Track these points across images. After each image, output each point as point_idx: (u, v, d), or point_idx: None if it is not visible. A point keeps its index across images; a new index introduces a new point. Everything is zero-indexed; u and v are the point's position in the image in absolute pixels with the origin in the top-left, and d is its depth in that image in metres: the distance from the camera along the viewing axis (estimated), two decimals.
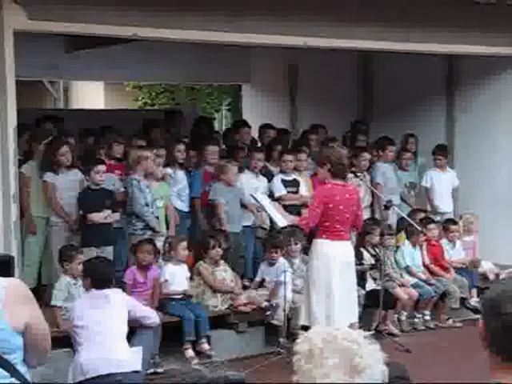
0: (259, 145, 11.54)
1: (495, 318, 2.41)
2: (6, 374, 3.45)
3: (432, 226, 10.66)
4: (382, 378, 2.24)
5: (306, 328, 7.88)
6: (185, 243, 8.93)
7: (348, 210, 8.14)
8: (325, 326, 2.51)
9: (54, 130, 10.33)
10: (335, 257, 8.05)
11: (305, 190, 10.35)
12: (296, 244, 9.52)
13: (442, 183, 11.57)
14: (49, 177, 9.00)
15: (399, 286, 9.98)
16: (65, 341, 7.34)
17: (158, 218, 9.15)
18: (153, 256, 8.60)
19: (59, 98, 19.95)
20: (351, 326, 7.91)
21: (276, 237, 9.50)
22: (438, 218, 11.22)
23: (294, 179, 10.38)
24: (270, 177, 10.47)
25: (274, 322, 8.95)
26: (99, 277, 7.31)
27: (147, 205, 9.03)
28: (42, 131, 9.95)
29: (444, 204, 11.60)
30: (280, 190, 10.24)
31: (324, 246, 8.09)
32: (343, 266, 8.08)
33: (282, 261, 9.27)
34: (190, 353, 8.52)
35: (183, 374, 2.00)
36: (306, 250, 9.10)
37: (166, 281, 8.77)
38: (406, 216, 10.14)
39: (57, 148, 9.04)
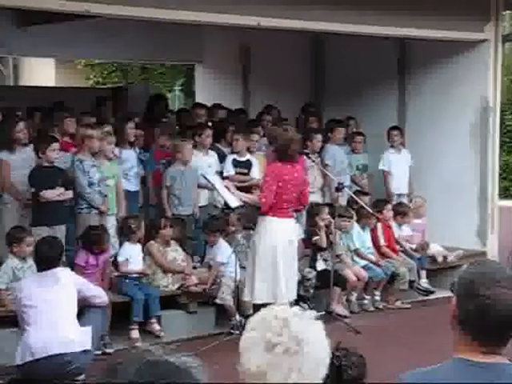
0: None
1: (471, 299, 2.48)
2: None
3: (389, 206, 10.80)
4: (318, 362, 2.11)
5: (257, 307, 7.90)
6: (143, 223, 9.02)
7: (296, 190, 8.30)
8: (268, 302, 2.45)
9: (2, 108, 10.14)
10: (280, 234, 8.21)
11: (257, 171, 10.30)
12: (238, 220, 9.54)
13: (399, 165, 11.61)
14: (4, 155, 8.80)
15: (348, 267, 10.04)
16: (11, 321, 7.25)
17: (106, 196, 9.05)
18: (105, 245, 8.56)
19: (8, 74, 19.65)
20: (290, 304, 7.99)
21: (215, 220, 9.53)
22: (393, 201, 11.30)
23: (248, 160, 10.35)
24: (222, 158, 10.43)
25: (217, 301, 8.98)
26: (40, 260, 7.31)
27: (92, 184, 8.90)
28: None
29: (401, 186, 11.66)
30: (228, 170, 10.23)
31: (272, 224, 8.21)
32: (286, 244, 8.24)
33: (222, 242, 9.32)
34: (135, 333, 8.48)
35: (134, 355, 1.89)
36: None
37: (127, 260, 8.78)
38: (358, 199, 10.17)
39: (14, 125, 8.84)
